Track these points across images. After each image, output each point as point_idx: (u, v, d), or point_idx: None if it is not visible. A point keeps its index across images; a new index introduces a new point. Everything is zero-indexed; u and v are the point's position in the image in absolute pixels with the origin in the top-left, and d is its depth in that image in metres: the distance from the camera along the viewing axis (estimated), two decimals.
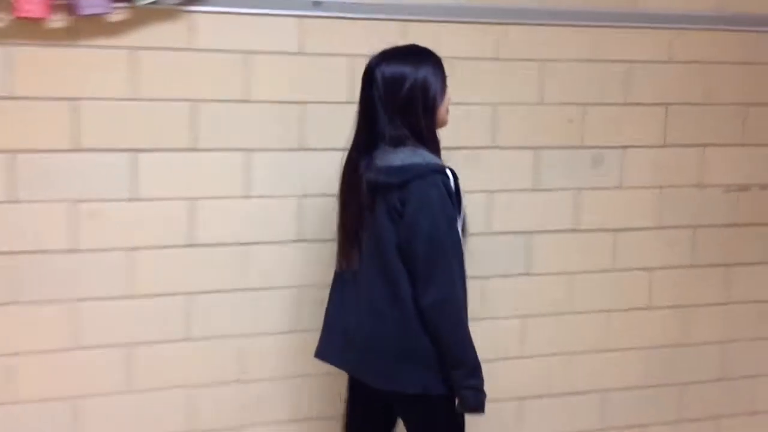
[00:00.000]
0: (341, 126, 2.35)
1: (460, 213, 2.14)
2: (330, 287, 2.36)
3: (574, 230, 3.06)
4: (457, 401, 2.09)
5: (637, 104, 3.07)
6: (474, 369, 2.08)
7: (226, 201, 2.67)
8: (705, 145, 3.18)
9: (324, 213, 2.67)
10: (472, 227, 2.53)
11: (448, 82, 2.22)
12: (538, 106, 2.97)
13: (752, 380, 3.36)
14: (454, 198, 2.09)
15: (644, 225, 3.14)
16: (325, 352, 2.29)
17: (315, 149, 2.72)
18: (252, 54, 2.65)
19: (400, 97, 2.08)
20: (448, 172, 2.10)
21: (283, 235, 2.73)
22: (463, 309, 2.10)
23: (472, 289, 2.28)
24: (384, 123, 2.09)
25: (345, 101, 2.70)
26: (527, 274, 3.03)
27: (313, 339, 2.39)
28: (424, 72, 2.10)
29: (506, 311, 3.01)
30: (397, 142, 2.08)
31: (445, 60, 2.23)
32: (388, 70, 2.10)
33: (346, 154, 2.24)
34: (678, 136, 3.14)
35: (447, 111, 2.20)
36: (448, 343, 2.07)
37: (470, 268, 2.20)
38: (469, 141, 2.88)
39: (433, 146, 2.14)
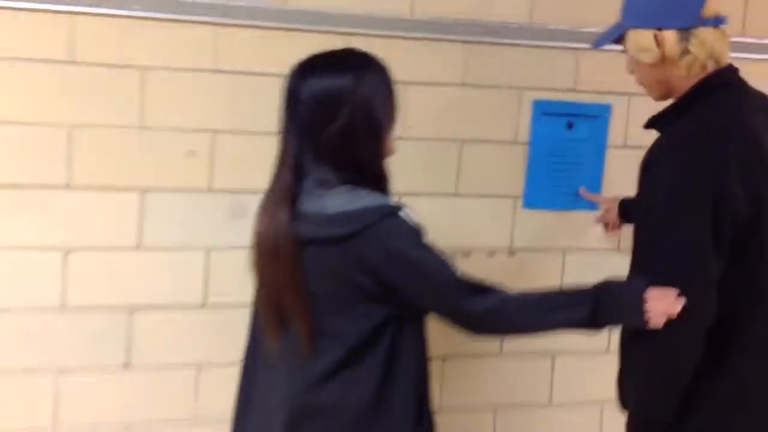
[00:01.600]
0: None
1: None
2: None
3: (204, 305, 2.22)
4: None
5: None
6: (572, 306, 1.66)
7: None
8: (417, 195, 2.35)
9: None
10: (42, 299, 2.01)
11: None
12: (141, 131, 2.13)
13: None
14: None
15: None
16: None
17: None
18: None
19: (334, 123, 1.58)
20: (408, 212, 1.62)
21: None
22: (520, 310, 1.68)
23: None
24: (313, 157, 1.61)
25: None
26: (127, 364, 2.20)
27: None
28: (368, 88, 1.60)
29: None
30: (331, 182, 1.60)
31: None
32: (318, 85, 1.60)
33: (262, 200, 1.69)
34: None
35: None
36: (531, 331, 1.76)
37: None
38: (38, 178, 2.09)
39: (380, 184, 1.66)
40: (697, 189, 1.63)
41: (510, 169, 2.43)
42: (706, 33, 1.72)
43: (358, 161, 1.62)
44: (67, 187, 2.09)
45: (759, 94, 1.83)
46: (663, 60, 1.73)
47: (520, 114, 2.41)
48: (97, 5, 2.04)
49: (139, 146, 2.13)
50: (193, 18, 2.11)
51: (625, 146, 2.49)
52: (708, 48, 1.72)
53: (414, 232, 1.60)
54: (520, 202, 2.45)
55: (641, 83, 1.84)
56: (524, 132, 2.42)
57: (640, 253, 1.75)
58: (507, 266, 2.48)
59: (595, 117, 2.46)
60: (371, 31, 2.24)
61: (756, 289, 1.74)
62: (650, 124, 1.84)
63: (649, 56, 1.74)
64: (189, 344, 2.24)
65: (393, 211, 1.59)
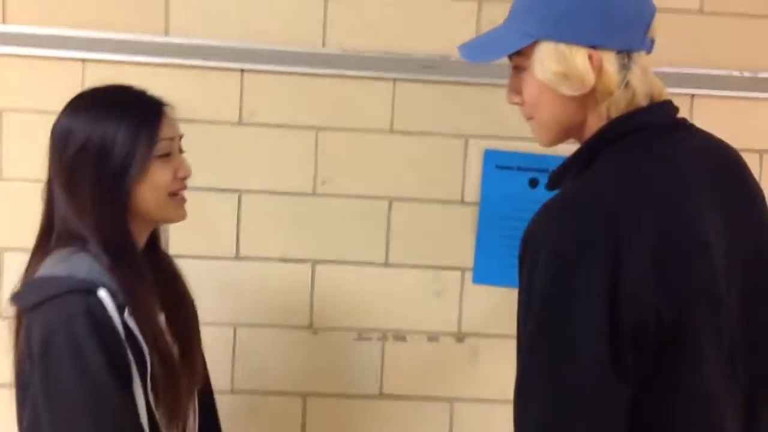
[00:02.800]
0: None
1: (137, 364, 1.26)
2: None
3: None
4: None
5: None
6: None
7: None
8: (335, 263, 1.94)
9: None
10: None
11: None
12: None
13: None
14: (114, 336, 1.23)
15: None
16: None
17: None
18: None
19: (63, 167, 1.33)
20: (104, 293, 1.23)
21: None
22: None
23: None
24: (57, 206, 1.34)
25: None
26: None
27: None
28: (107, 127, 1.31)
29: None
30: (66, 239, 1.32)
31: None
32: (61, 124, 1.35)
33: None
34: None
35: (176, 194, 1.38)
36: None
37: None
38: None
39: (117, 250, 1.30)
40: (583, 282, 1.08)
41: (455, 234, 1.97)
42: (644, 58, 1.21)
43: (85, 216, 1.31)
44: None
45: (713, 144, 1.26)
46: (591, 92, 1.18)
47: (466, 167, 1.96)
48: None
49: None
50: (59, 54, 1.84)
51: None
52: (649, 80, 1.21)
53: (89, 331, 1.21)
54: (468, 276, 1.98)
55: (532, 116, 1.26)
56: (473, 190, 1.96)
57: (519, 366, 1.16)
58: (456, 354, 2.00)
59: None
60: (272, 67, 1.88)
61: (684, 425, 1.14)
62: (551, 183, 1.31)
63: (574, 85, 1.17)
64: None
65: (82, 289, 1.24)
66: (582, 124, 1.23)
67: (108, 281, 1.26)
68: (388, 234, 1.96)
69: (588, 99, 1.20)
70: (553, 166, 1.96)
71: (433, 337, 1.99)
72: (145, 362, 1.26)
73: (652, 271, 1.08)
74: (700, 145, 1.23)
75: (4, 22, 1.83)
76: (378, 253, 1.96)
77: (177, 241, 1.87)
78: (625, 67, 1.18)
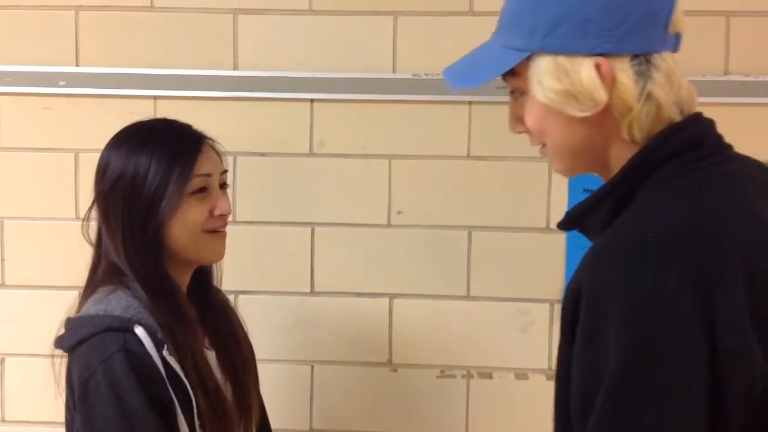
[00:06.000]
0: None
1: (181, 401, 1.22)
2: None
3: None
4: None
5: None
6: None
7: None
8: (411, 297, 1.85)
9: None
10: None
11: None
12: None
13: None
14: (154, 373, 1.20)
15: None
16: None
17: None
18: None
19: (101, 201, 1.32)
20: (140, 330, 1.21)
21: None
22: None
23: None
24: (103, 241, 1.34)
25: None
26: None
27: None
28: (141, 161, 1.28)
29: None
30: (109, 275, 1.31)
31: None
32: (102, 157, 1.35)
33: None
34: None
35: (212, 232, 1.33)
36: None
37: None
38: None
39: (154, 287, 1.27)
40: (680, 343, 0.88)
41: (541, 264, 1.84)
42: (668, 60, 1.00)
43: (120, 252, 1.28)
44: None
45: (755, 166, 1.05)
46: (606, 110, 0.98)
47: (551, 192, 1.83)
48: None
49: None
50: (131, 92, 1.84)
51: None
52: (675, 86, 1.00)
53: (127, 370, 1.18)
54: (558, 309, 1.84)
55: (543, 143, 1.06)
56: (559, 216, 1.81)
57: None
58: (547, 393, 1.84)
59: None
60: (342, 96, 1.82)
61: None
62: (570, 222, 1.09)
63: (584, 105, 0.98)
64: None
65: (118, 327, 1.21)
66: (603, 150, 1.02)
67: (146, 318, 1.23)
68: (468, 265, 1.85)
69: (604, 118, 0.99)
70: None
71: (521, 375, 1.86)
72: (190, 399, 1.22)
73: (754, 326, 0.89)
74: (750, 167, 1.03)
75: (77, 65, 1.85)
76: (459, 286, 1.85)
77: (249, 277, 1.85)
78: (643, 75, 0.97)
